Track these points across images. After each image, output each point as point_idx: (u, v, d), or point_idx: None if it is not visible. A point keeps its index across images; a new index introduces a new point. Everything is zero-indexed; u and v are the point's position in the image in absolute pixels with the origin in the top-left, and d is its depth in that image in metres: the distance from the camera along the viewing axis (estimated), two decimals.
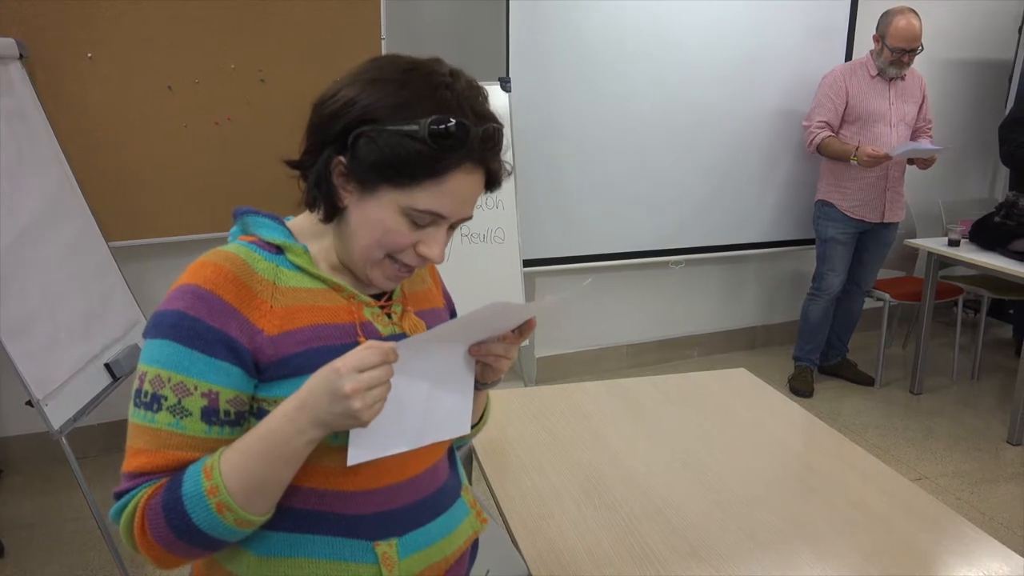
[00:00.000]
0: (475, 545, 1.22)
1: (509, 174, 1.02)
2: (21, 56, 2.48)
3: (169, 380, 0.91)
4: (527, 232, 3.46)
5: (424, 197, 0.94)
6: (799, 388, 3.80)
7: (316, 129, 0.98)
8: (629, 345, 4.11)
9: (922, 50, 3.41)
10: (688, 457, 1.64)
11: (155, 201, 2.85)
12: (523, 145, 3.38)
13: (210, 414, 0.92)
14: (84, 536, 2.60)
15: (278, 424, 0.90)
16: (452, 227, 1.01)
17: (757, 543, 1.35)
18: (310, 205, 1.01)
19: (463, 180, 0.95)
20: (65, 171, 2.55)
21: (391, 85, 0.93)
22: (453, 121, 0.91)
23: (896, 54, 3.38)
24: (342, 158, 0.95)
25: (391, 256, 0.99)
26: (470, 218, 1.00)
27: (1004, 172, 4.56)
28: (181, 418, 0.91)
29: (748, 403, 1.90)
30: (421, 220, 0.96)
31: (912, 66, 3.56)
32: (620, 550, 1.32)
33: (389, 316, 1.06)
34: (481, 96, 0.98)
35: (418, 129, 0.90)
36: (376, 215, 0.95)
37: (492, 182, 1.00)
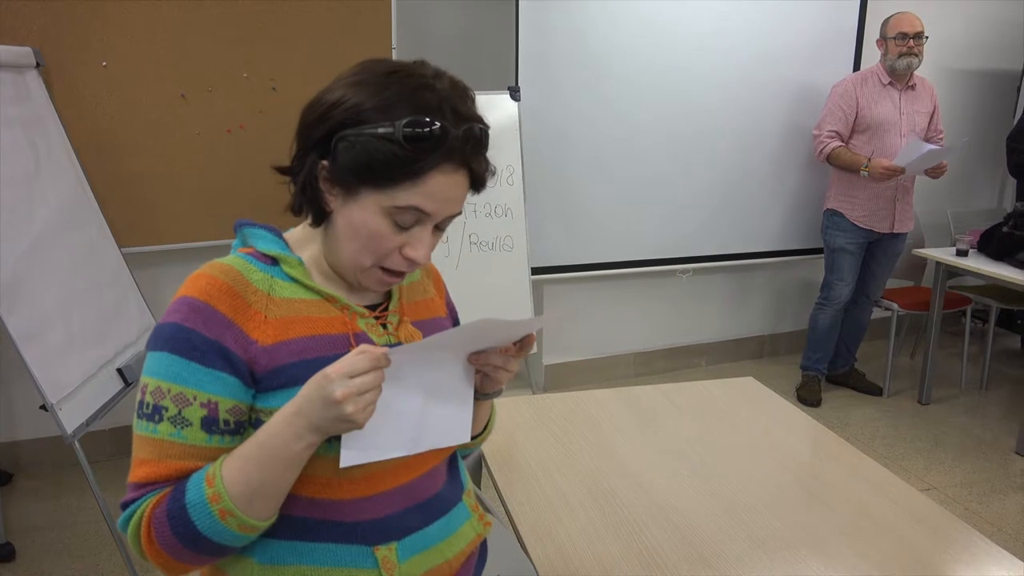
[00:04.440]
0: (484, 550, 1.23)
1: (493, 174, 1.02)
2: (38, 65, 2.51)
3: (169, 391, 0.93)
4: (535, 240, 3.47)
5: (403, 195, 0.94)
6: (807, 397, 3.79)
7: (302, 134, 0.99)
8: (637, 353, 4.11)
9: (928, 38, 3.45)
10: (696, 465, 1.64)
11: (168, 208, 2.88)
12: (532, 154, 3.39)
13: (210, 423, 0.94)
14: (95, 540, 2.62)
15: (276, 430, 0.91)
16: (440, 228, 1.01)
17: (765, 551, 1.36)
18: (296, 210, 1.02)
19: (443, 180, 0.95)
20: (80, 178, 2.58)
21: (372, 88, 0.94)
22: (429, 122, 0.91)
23: (900, 41, 3.40)
24: (325, 162, 0.96)
25: (379, 265, 1.00)
26: (458, 214, 1.00)
27: (1012, 183, 4.55)
28: (182, 428, 0.93)
29: (756, 412, 1.91)
30: (404, 220, 0.96)
31: (922, 76, 3.58)
32: (629, 556, 1.33)
33: (384, 326, 1.07)
34: (464, 96, 0.98)
35: (393, 131, 0.91)
36: (360, 218, 0.96)
37: (476, 182, 1.00)
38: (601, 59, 3.49)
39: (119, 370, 2.43)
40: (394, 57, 2.97)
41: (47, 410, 2.11)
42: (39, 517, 2.76)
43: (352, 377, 0.87)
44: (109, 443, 3.06)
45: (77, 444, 2.17)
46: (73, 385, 2.21)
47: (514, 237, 3.26)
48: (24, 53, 2.46)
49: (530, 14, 3.29)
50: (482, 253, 3.22)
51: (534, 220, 3.43)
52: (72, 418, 2.16)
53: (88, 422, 2.23)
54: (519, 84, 3.32)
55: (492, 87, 3.23)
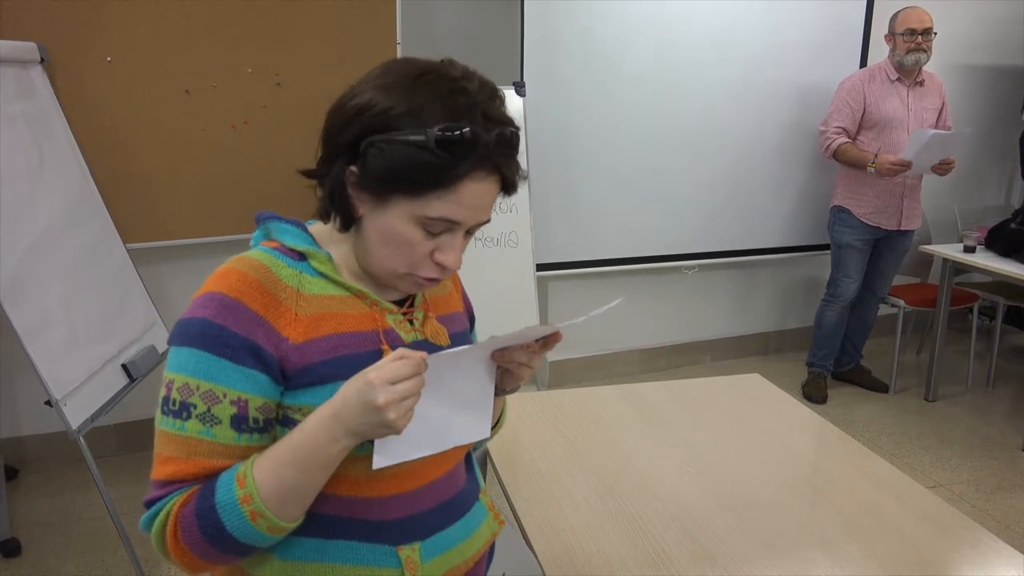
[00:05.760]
0: (491, 547, 1.23)
1: (524, 178, 1.00)
2: (42, 60, 2.51)
3: (198, 388, 0.91)
4: (540, 236, 3.46)
5: (436, 205, 0.92)
6: (812, 394, 3.78)
7: (329, 138, 0.97)
8: (642, 350, 4.10)
9: (936, 34, 3.42)
10: (701, 462, 1.64)
11: (172, 204, 2.87)
12: (537, 149, 3.38)
13: (240, 421, 0.92)
14: (100, 535, 2.62)
15: (312, 433, 0.90)
16: (469, 232, 1.00)
17: (771, 548, 1.35)
18: (324, 216, 1.01)
19: (475, 187, 0.93)
20: (84, 173, 2.58)
21: (402, 92, 0.92)
22: (461, 129, 0.89)
23: (908, 38, 3.38)
24: (354, 168, 0.94)
25: (412, 273, 0.98)
26: (487, 221, 0.99)
27: (1020, 179, 4.53)
28: (211, 426, 0.91)
29: (761, 409, 1.90)
30: (435, 228, 0.95)
31: (931, 71, 3.55)
32: (634, 553, 1.32)
33: (411, 323, 1.06)
34: (495, 99, 0.96)
35: (425, 139, 0.89)
36: (390, 225, 0.95)
37: (508, 186, 0.98)
38: (606, 55, 3.47)
39: (124, 366, 2.43)
40: (399, 51, 2.96)
41: (52, 406, 2.11)
42: (44, 513, 2.76)
43: (394, 383, 0.86)
44: (114, 439, 3.06)
45: (82, 440, 2.17)
46: (78, 381, 2.21)
47: (519, 233, 3.25)
48: (28, 48, 2.46)
49: (535, 9, 3.28)
50: (487, 249, 3.22)
51: (539, 216, 3.42)
52: (77, 414, 2.16)
53: (93, 418, 2.23)
54: (524, 79, 3.31)
55: (497, 82, 3.20)
